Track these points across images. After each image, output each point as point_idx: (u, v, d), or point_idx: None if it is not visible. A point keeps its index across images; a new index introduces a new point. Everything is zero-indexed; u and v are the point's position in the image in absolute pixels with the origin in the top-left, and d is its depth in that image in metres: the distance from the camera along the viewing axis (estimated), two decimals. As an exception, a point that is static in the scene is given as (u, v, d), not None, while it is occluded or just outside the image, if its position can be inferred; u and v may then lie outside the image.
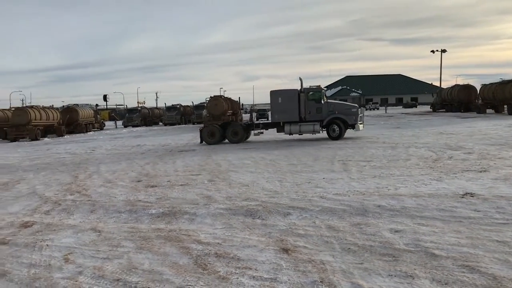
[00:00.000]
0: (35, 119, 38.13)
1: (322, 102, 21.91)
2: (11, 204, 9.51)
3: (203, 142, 23.35)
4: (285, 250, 5.61)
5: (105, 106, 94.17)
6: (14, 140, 37.10)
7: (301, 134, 22.52)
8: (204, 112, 44.61)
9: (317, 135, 22.53)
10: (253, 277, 4.81)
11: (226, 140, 23.40)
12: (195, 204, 8.46)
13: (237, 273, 4.93)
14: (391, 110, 71.23)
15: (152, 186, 10.77)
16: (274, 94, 22.49)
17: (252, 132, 23.89)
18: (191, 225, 7.06)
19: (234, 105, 46.84)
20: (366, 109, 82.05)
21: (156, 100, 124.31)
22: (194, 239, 6.26)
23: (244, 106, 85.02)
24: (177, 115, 60.27)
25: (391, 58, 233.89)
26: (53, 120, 42.11)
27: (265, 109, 69.52)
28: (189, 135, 32.00)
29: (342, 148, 16.96)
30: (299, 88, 22.38)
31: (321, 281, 4.59)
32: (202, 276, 4.91)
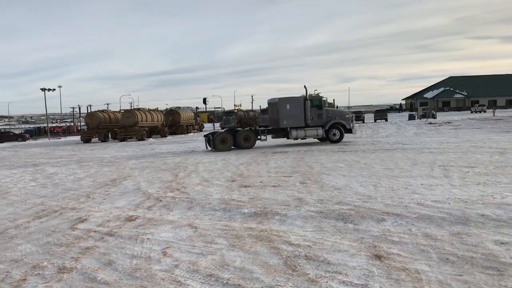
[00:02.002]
0: (142, 121, 40.95)
1: (323, 109, 23.68)
2: (118, 199, 10.30)
3: (209, 148, 23.52)
4: (378, 257, 5.43)
5: (205, 109, 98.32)
6: (122, 140, 40.17)
7: (305, 138, 24.06)
8: (299, 114, 44.78)
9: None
10: (343, 282, 4.72)
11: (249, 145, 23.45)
12: (286, 206, 8.51)
13: (327, 277, 4.87)
14: (500, 113, 65.66)
15: (246, 186, 11.02)
16: (282, 101, 23.58)
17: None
18: (282, 226, 7.11)
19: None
20: (471, 112, 76.78)
21: (252, 102, 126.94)
22: (284, 240, 6.30)
23: (339, 108, 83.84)
24: (271, 117, 60.91)
25: (501, 57, 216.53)
26: (158, 121, 44.90)
27: (361, 111, 68.01)
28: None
29: (444, 153, 16.01)
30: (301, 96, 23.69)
31: (415, 291, 4.38)
32: (292, 277, 4.92)
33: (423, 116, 56.95)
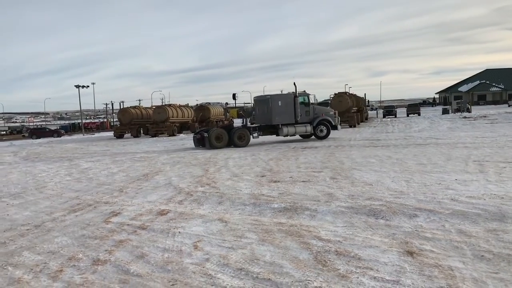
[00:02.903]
0: (173, 117, 41.50)
1: (309, 106, 24.17)
2: (150, 194, 10.48)
3: (203, 146, 23.09)
4: (410, 253, 5.34)
5: (234, 104, 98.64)
6: (154, 135, 40.82)
7: (295, 135, 24.60)
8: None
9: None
10: (374, 277, 4.67)
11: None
12: (316, 201, 8.47)
13: (358, 273, 4.83)
14: (539, 106, 63.36)
15: (275, 181, 11.02)
16: (274, 98, 23.72)
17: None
18: (312, 221, 7.08)
19: (360, 102, 45.72)
20: (509, 105, 74.26)
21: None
22: (314, 235, 6.27)
23: (370, 102, 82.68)
24: (301, 112, 60.65)
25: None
26: (188, 117, 45.40)
27: (393, 105, 66.88)
28: (313, 132, 31.91)
29: (479, 148, 15.59)
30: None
31: (448, 288, 4.29)
32: (322, 272, 4.90)
33: (458, 110, 55.59)
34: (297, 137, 25.59)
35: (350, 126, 37.37)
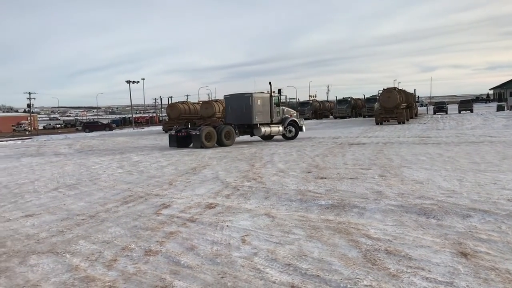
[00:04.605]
0: (219, 112, 41.96)
1: (280, 107, 24.36)
2: (198, 187, 10.67)
3: (178, 146, 22.31)
4: (464, 254, 5.17)
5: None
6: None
7: (269, 135, 24.15)
8: (376, 105, 43.53)
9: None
10: (426, 278, 4.56)
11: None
12: (364, 199, 8.34)
13: (409, 273, 4.73)
14: None
15: (322, 178, 10.94)
16: (255, 97, 23.30)
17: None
18: (361, 219, 6.99)
19: (409, 98, 44.51)
20: None
21: (327, 93, 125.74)
22: (363, 233, 6.19)
23: (420, 98, 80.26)
24: (347, 108, 59.97)
25: None
26: (234, 112, 45.70)
27: (444, 101, 64.67)
28: (360, 128, 31.45)
29: (537, 147, 14.83)
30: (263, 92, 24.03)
31: (506, 293, 4.13)
32: (371, 271, 4.83)
33: (514, 107, 53.01)
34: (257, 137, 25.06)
35: (399, 123, 36.49)
